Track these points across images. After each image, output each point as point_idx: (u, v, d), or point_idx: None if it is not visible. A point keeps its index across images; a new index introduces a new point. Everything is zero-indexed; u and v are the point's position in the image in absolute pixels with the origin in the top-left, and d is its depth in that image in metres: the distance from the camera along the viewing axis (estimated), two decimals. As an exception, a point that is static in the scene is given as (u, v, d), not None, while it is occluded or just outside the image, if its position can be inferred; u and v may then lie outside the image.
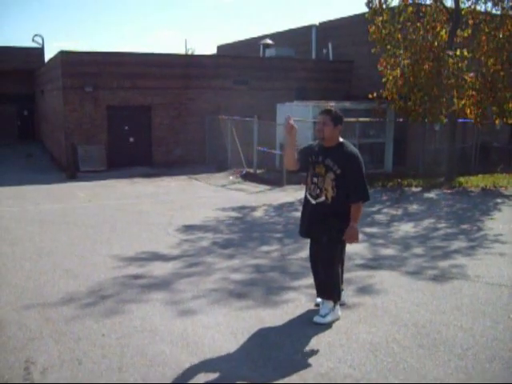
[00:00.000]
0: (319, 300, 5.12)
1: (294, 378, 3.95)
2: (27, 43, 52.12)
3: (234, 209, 10.67)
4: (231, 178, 15.47)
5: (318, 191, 4.84)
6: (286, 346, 4.46)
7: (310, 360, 4.22)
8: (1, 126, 26.45)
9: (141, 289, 5.89)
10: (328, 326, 4.84)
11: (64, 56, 16.77)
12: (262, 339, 4.60)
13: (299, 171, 5.13)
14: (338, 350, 4.39)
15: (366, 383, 3.87)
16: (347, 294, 5.51)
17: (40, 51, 26.63)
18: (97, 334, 4.69)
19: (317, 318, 4.91)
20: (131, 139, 17.90)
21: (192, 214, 10.20)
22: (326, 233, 4.83)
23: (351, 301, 5.50)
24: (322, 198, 4.82)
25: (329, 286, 4.96)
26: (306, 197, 5.07)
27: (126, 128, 17.81)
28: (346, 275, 6.37)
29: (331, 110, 4.91)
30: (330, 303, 4.97)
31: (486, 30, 13.41)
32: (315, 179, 4.88)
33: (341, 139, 4.90)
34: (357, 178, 4.77)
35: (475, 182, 13.93)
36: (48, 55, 29.58)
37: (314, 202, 4.88)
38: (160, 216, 9.97)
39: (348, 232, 4.72)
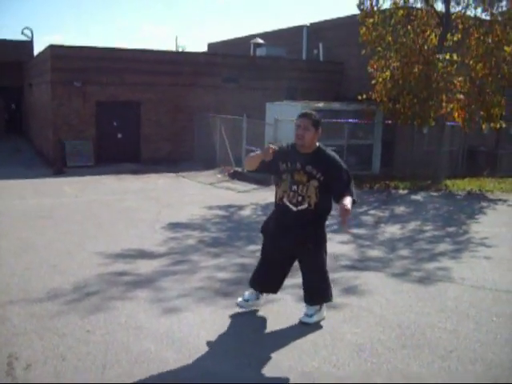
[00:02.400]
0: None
1: (279, 376, 3.96)
2: (16, 36, 51.73)
3: (221, 207, 10.66)
4: (219, 176, 15.45)
5: (300, 198, 4.64)
6: (270, 345, 4.46)
7: (295, 359, 4.23)
8: (-13, 119, 26.24)
9: (126, 286, 5.87)
10: (313, 325, 4.85)
11: (53, 50, 16.65)
12: (247, 338, 4.61)
13: (257, 171, 4.93)
14: (323, 349, 4.41)
15: (351, 383, 3.89)
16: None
17: (29, 44, 26.43)
18: (81, 330, 4.67)
19: (304, 318, 4.91)
20: (119, 135, 17.81)
21: (179, 211, 10.17)
22: (312, 239, 4.76)
23: (337, 301, 5.52)
24: (305, 205, 4.64)
25: (324, 289, 4.94)
26: (280, 204, 4.79)
27: (115, 124, 17.72)
28: (331, 276, 6.39)
29: (311, 113, 4.72)
30: (318, 305, 4.97)
31: (476, 35, 13.54)
32: (295, 187, 4.65)
33: (317, 143, 4.73)
34: (347, 182, 4.60)
35: (462, 186, 14.04)
36: (37, 48, 29.39)
37: (295, 209, 4.66)
38: (147, 213, 9.94)
39: (344, 208, 4.28)
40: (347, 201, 4.37)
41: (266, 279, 5.04)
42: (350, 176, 4.65)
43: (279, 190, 4.82)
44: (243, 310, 5.11)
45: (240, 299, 5.15)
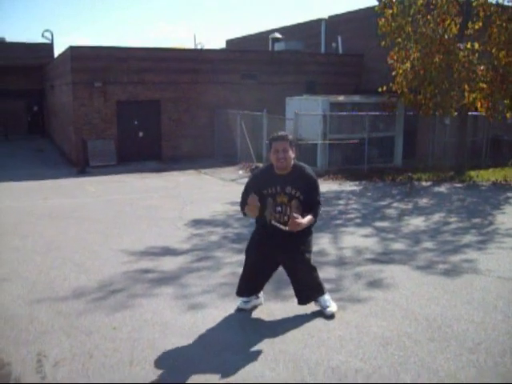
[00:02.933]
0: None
1: (305, 372, 3.95)
2: (37, 39, 52.28)
3: (243, 203, 10.64)
4: (240, 172, 15.46)
5: (286, 218, 4.67)
6: (296, 340, 4.45)
7: (321, 354, 4.21)
8: (11, 121, 26.58)
9: (151, 283, 5.91)
10: (339, 320, 4.82)
11: (74, 51, 16.80)
12: (272, 333, 4.60)
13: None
14: (349, 343, 4.38)
15: (377, 377, 3.86)
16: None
17: (49, 46, 26.71)
18: (108, 328, 4.71)
19: (328, 311, 4.91)
20: (140, 134, 17.94)
21: (202, 208, 10.20)
22: (299, 246, 4.79)
23: (362, 295, 5.49)
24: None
25: (318, 285, 4.97)
26: (267, 224, 4.78)
27: (136, 123, 17.85)
28: (356, 269, 6.38)
29: (286, 134, 4.73)
30: (324, 295, 5.01)
31: (498, 22, 13.27)
32: (279, 208, 4.72)
33: (292, 161, 4.73)
34: (316, 200, 4.71)
35: (486, 176, 13.84)
36: (57, 50, 29.67)
37: (285, 228, 4.61)
38: (170, 210, 9.98)
39: (295, 220, 4.43)
40: (306, 219, 4.54)
41: (253, 286, 5.12)
42: (319, 192, 4.77)
43: (265, 213, 4.79)
44: (246, 307, 5.12)
45: (240, 303, 5.15)
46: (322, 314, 4.93)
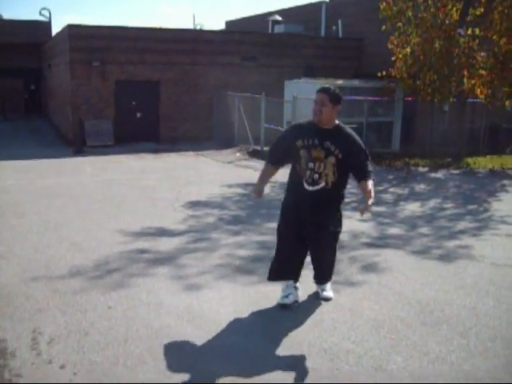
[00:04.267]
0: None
1: (298, 352, 3.99)
2: (34, 17, 51.85)
3: (240, 185, 10.68)
4: (238, 154, 15.45)
5: (317, 177, 4.42)
6: (290, 322, 4.49)
7: (314, 336, 4.25)
8: (8, 100, 26.40)
9: (147, 263, 5.94)
10: (333, 302, 4.86)
11: (72, 29, 16.66)
12: (267, 314, 4.64)
13: (282, 165, 4.81)
14: (342, 326, 4.42)
15: (368, 358, 3.91)
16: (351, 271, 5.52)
17: (47, 25, 26.46)
18: (103, 306, 4.75)
19: (324, 294, 4.89)
20: (138, 114, 17.86)
21: (199, 190, 10.21)
22: (330, 220, 4.58)
23: (356, 278, 5.53)
24: (322, 184, 4.43)
25: (332, 268, 4.90)
26: (295, 182, 4.60)
27: (134, 103, 17.77)
28: (352, 252, 6.42)
29: (330, 88, 4.47)
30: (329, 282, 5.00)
31: (500, 8, 13.19)
32: (311, 164, 4.42)
33: (336, 121, 4.51)
34: (365, 160, 4.45)
35: (483, 163, 13.86)
36: (55, 29, 29.45)
37: (310, 188, 4.45)
38: (167, 191, 9.99)
39: (365, 204, 4.22)
40: (370, 185, 4.32)
41: (285, 265, 4.78)
42: (368, 156, 4.51)
43: (295, 169, 4.62)
44: (287, 302, 4.78)
45: (280, 299, 4.80)
46: (318, 295, 4.95)
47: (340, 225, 4.73)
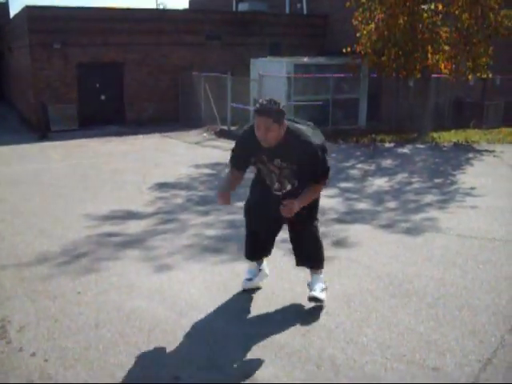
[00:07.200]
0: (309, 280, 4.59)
1: (271, 328, 4.02)
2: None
3: (208, 166, 10.63)
4: (205, 135, 15.36)
5: (279, 185, 4.19)
6: (261, 299, 4.52)
7: (285, 311, 4.29)
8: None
9: (116, 246, 5.89)
10: (302, 278, 4.78)
11: (30, 11, 16.21)
12: (238, 293, 4.65)
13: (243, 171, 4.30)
14: (313, 301, 4.45)
15: (340, 332, 3.96)
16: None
17: (4, 6, 25.72)
18: (72, 292, 4.69)
19: (311, 294, 4.35)
20: (103, 97, 17.58)
21: (166, 171, 10.13)
22: (305, 217, 4.23)
23: (326, 254, 5.55)
24: (288, 187, 4.18)
25: (320, 254, 4.53)
26: (262, 184, 4.31)
27: (98, 86, 17.46)
28: (321, 229, 6.41)
29: (269, 107, 3.77)
30: (321, 277, 4.53)
31: (461, -17, 13.30)
32: (272, 175, 4.16)
33: (285, 127, 3.87)
34: (319, 165, 3.98)
35: (448, 137, 14.05)
36: (14, 11, 28.63)
37: (278, 193, 4.20)
38: (134, 174, 9.89)
39: (288, 205, 3.83)
40: (310, 191, 4.02)
41: (259, 247, 4.64)
42: (325, 151, 4.03)
43: (259, 173, 4.32)
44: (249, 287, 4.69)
45: (244, 280, 4.68)
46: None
47: (315, 214, 4.45)
